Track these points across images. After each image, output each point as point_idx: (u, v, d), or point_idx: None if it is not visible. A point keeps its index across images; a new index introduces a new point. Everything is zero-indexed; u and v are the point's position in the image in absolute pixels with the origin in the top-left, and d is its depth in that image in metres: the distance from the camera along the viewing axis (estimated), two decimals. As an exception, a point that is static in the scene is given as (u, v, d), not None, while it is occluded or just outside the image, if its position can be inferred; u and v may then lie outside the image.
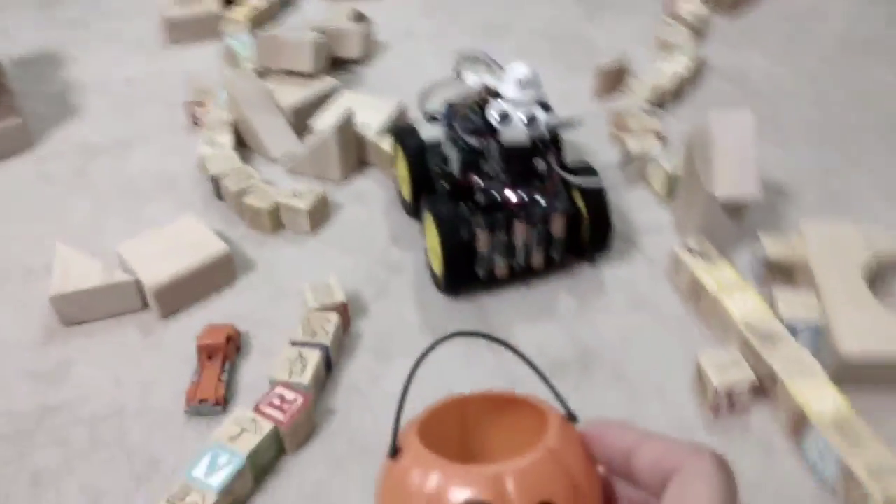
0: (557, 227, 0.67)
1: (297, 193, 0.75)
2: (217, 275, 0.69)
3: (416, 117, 0.83)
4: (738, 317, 0.63)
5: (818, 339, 0.62)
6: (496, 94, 0.66)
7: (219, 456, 0.54)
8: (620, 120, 0.84)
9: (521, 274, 0.70)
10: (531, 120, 0.64)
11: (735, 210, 0.68)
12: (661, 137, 0.81)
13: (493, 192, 0.66)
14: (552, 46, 1.02)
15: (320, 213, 0.76)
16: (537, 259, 0.68)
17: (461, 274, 0.67)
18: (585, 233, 0.69)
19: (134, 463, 0.57)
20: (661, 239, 0.74)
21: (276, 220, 0.75)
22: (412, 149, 0.73)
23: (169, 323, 0.67)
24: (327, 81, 0.90)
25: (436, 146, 0.73)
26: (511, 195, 0.66)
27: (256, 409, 0.57)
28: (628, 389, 0.61)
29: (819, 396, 0.57)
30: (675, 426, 0.59)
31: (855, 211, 0.75)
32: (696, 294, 0.67)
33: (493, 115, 0.64)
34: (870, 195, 0.77)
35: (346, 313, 0.65)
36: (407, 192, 0.76)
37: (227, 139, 0.82)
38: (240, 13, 1.02)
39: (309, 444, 0.58)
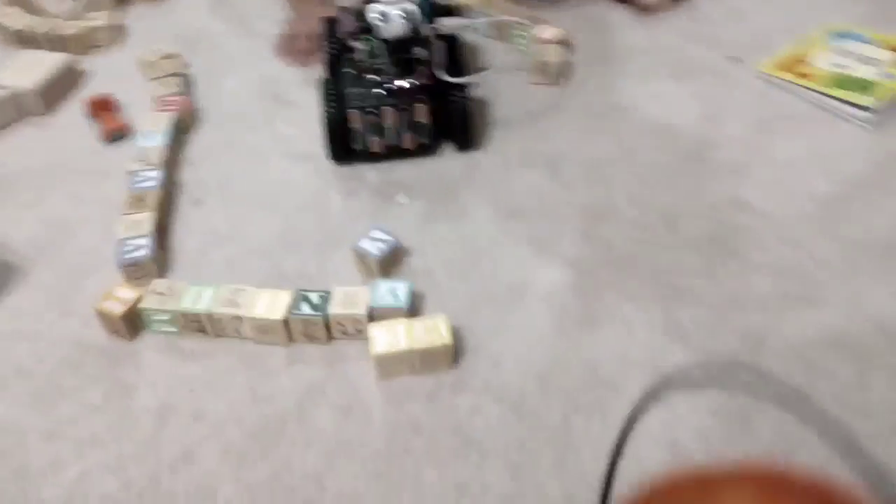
0: (421, 114, 0.78)
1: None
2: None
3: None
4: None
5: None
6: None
7: (149, 133, 0.86)
8: None
9: (398, 152, 0.82)
10: (409, 13, 0.77)
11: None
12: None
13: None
14: None
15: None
16: (408, 140, 0.81)
17: (341, 145, 0.82)
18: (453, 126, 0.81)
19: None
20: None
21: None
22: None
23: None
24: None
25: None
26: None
27: (157, 110, 0.89)
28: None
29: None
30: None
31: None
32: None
33: (374, 18, 0.76)
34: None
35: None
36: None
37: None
38: None
39: (196, 125, 0.92)
